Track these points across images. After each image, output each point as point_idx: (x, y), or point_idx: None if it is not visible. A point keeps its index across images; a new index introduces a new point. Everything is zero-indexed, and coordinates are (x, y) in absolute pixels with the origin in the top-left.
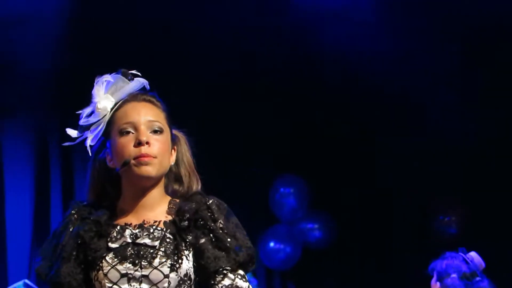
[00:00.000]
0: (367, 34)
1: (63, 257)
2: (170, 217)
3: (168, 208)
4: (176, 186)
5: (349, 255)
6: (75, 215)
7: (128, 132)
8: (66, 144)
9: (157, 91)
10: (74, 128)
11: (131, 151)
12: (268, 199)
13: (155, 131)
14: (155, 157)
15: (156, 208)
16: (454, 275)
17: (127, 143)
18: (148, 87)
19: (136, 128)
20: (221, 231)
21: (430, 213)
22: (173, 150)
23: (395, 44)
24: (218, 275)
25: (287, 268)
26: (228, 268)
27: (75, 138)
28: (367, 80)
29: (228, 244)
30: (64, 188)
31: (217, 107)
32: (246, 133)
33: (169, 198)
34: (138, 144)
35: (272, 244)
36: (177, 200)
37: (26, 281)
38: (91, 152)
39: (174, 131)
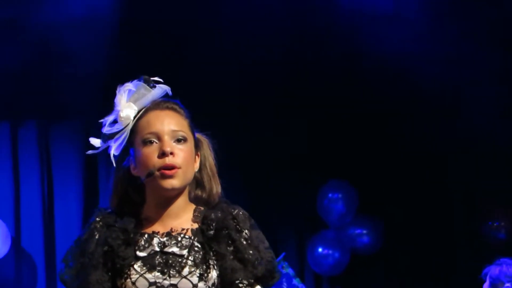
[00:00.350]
0: (415, 37)
1: (92, 265)
2: (196, 225)
3: (193, 216)
4: (198, 192)
5: (397, 261)
6: (100, 223)
7: (152, 142)
8: (90, 152)
9: (208, 92)
10: (98, 137)
11: (155, 162)
12: (316, 204)
13: (178, 140)
14: (179, 168)
15: (182, 216)
16: (508, 285)
17: (151, 153)
18: (170, 93)
19: (159, 138)
20: (244, 242)
21: (480, 218)
22: (196, 157)
23: (443, 47)
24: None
25: (335, 274)
26: (244, 282)
27: (99, 147)
28: (414, 83)
29: (248, 256)
30: None
31: (264, 111)
32: (294, 138)
33: (193, 205)
34: (162, 154)
35: (320, 249)
36: (202, 208)
37: None
38: (114, 161)
39: (197, 135)
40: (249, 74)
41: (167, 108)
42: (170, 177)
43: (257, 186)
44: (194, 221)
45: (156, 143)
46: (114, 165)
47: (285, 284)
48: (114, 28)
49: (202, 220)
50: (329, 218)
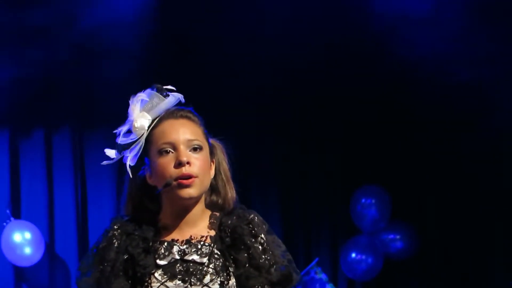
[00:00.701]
0: (450, 39)
1: (114, 273)
2: (213, 232)
3: (210, 223)
4: (213, 197)
5: (431, 266)
6: (118, 230)
7: (168, 152)
8: (105, 163)
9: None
10: (112, 148)
11: (172, 172)
12: (350, 210)
13: (194, 149)
14: (196, 177)
15: (199, 224)
16: None
17: (167, 163)
18: (183, 101)
19: (175, 148)
20: (260, 247)
21: None
22: (211, 163)
23: (478, 49)
24: None
25: (368, 279)
26: None
27: (114, 158)
28: (449, 87)
29: (263, 262)
30: None
31: (298, 115)
32: (328, 143)
33: (209, 212)
34: (179, 164)
35: (353, 255)
36: (217, 214)
37: None
38: (131, 172)
39: (211, 141)
40: (285, 77)
41: (181, 116)
42: (188, 186)
43: (291, 192)
44: (210, 228)
45: (172, 152)
46: (130, 175)
47: None
48: (149, 35)
49: (219, 227)
50: (363, 224)
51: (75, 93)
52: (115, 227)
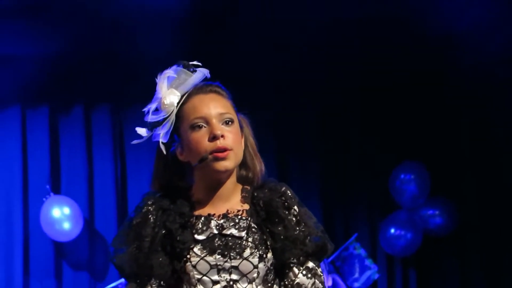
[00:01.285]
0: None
1: (153, 248)
2: (246, 206)
3: (242, 197)
4: (242, 171)
5: (470, 242)
6: (153, 206)
7: (200, 127)
8: (135, 142)
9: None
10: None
11: (207, 146)
12: (389, 185)
13: (226, 123)
14: (231, 149)
15: (232, 198)
16: None
17: (201, 138)
18: (209, 76)
19: (207, 122)
20: (294, 219)
21: None
22: (242, 136)
23: None
24: (285, 268)
25: (407, 255)
26: (294, 261)
27: (144, 136)
28: (492, 64)
29: (298, 233)
30: None
31: (338, 90)
32: (367, 118)
33: (240, 186)
34: (213, 138)
35: (392, 230)
36: (248, 188)
37: None
38: (164, 148)
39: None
40: (323, 53)
41: (211, 91)
42: (223, 159)
43: (330, 168)
44: (243, 202)
45: (205, 127)
46: (164, 151)
47: (357, 264)
48: (186, 14)
49: (251, 200)
50: (402, 199)
51: (115, 69)
52: (149, 202)
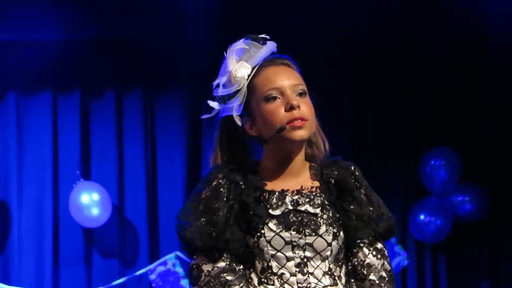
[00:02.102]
0: None
1: (228, 222)
2: (316, 183)
3: (311, 174)
4: (308, 149)
5: (501, 228)
6: (224, 179)
7: (275, 98)
8: (205, 117)
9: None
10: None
11: (284, 117)
12: (419, 171)
13: (300, 94)
14: (307, 120)
15: (302, 174)
16: None
17: (276, 109)
18: (275, 50)
19: (282, 93)
20: (365, 199)
21: None
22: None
23: None
24: (355, 247)
25: (437, 241)
26: (365, 241)
27: (212, 111)
28: None
29: (370, 213)
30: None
31: (369, 75)
32: (397, 104)
33: (307, 163)
34: (290, 108)
35: (422, 216)
36: (315, 165)
37: (178, 253)
38: (240, 122)
39: None
40: (355, 38)
41: (282, 64)
42: (300, 128)
43: (361, 153)
44: (314, 179)
45: (279, 98)
46: (240, 124)
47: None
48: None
49: (323, 178)
50: (432, 185)
51: (146, 54)
52: (219, 175)
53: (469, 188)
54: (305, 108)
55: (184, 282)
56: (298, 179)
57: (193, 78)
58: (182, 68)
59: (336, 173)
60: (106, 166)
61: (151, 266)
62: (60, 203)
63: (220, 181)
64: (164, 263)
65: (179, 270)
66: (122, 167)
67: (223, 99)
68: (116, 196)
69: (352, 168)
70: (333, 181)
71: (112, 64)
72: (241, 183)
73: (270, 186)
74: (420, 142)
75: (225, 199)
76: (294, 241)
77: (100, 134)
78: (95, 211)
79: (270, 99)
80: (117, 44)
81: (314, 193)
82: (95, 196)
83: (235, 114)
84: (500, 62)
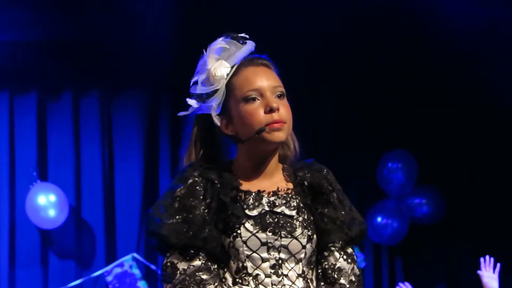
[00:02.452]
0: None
1: (205, 221)
2: (290, 185)
3: (285, 175)
4: (280, 150)
5: (457, 231)
6: (200, 177)
7: (254, 99)
8: (182, 114)
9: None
10: (188, 98)
11: (263, 118)
12: (376, 174)
13: (279, 96)
14: (285, 122)
15: (276, 175)
16: None
17: (256, 110)
18: (254, 49)
19: (261, 95)
20: (338, 203)
21: None
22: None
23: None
24: (326, 251)
25: (394, 243)
26: (337, 245)
27: (189, 108)
28: (476, 47)
29: (344, 217)
30: (172, 162)
31: (327, 80)
32: (354, 106)
33: (280, 165)
34: (270, 111)
35: (379, 219)
36: (288, 167)
37: (135, 255)
38: (218, 121)
39: None
40: (318, 45)
41: (261, 64)
42: (278, 130)
43: (317, 155)
44: (287, 181)
45: (258, 99)
46: (218, 123)
47: None
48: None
49: (296, 180)
50: (389, 188)
51: (103, 55)
52: (195, 173)
53: (425, 191)
54: (284, 110)
55: (141, 284)
56: (272, 180)
57: (151, 79)
58: (139, 69)
59: (309, 175)
60: (63, 167)
61: (108, 268)
62: (16, 204)
63: (196, 179)
64: (121, 265)
65: (136, 271)
66: (79, 169)
67: (201, 97)
68: (73, 197)
69: (325, 171)
70: (307, 184)
71: (69, 65)
72: (216, 182)
73: (245, 186)
74: (378, 145)
75: (201, 197)
76: (270, 243)
77: (57, 135)
78: (52, 212)
79: (249, 100)
80: (74, 45)
81: (290, 195)
82: (52, 198)
83: (214, 114)
84: (456, 64)
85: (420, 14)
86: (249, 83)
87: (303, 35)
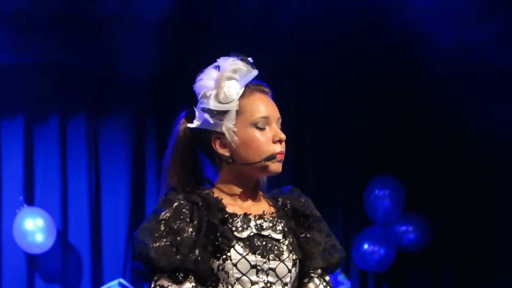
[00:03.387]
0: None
1: (195, 243)
2: (273, 209)
3: (266, 201)
4: None
5: (444, 258)
6: (185, 200)
7: (264, 126)
8: (191, 125)
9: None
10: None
11: (271, 147)
12: (363, 200)
13: (280, 128)
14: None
15: (258, 199)
16: None
17: (266, 137)
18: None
19: (269, 123)
20: (319, 229)
21: None
22: None
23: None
24: (306, 277)
25: (381, 270)
26: (317, 271)
27: (201, 121)
28: (459, 77)
29: (325, 244)
30: (159, 186)
31: (313, 105)
32: (341, 133)
33: (259, 191)
34: (278, 141)
35: (366, 245)
36: (266, 193)
37: (121, 280)
38: (232, 138)
39: None
40: (301, 70)
41: (267, 92)
42: (280, 161)
43: (304, 182)
44: (270, 206)
45: (266, 127)
46: (237, 141)
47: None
48: (165, 24)
49: (279, 205)
50: (376, 215)
51: (90, 80)
52: (180, 196)
53: (412, 218)
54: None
55: None
56: (257, 204)
57: (138, 104)
58: (126, 94)
59: (289, 202)
60: (50, 192)
61: None
62: (3, 229)
63: (181, 202)
64: None
65: None
66: (66, 193)
67: (212, 113)
68: (59, 221)
69: (304, 198)
70: (289, 208)
71: (56, 89)
72: (201, 204)
73: (230, 209)
74: (364, 171)
75: (188, 219)
76: (259, 265)
77: (44, 159)
78: (39, 237)
79: (259, 125)
80: (61, 69)
81: (276, 219)
82: (39, 222)
83: (231, 130)
84: (442, 92)
85: (407, 41)
86: (260, 110)
87: (289, 61)
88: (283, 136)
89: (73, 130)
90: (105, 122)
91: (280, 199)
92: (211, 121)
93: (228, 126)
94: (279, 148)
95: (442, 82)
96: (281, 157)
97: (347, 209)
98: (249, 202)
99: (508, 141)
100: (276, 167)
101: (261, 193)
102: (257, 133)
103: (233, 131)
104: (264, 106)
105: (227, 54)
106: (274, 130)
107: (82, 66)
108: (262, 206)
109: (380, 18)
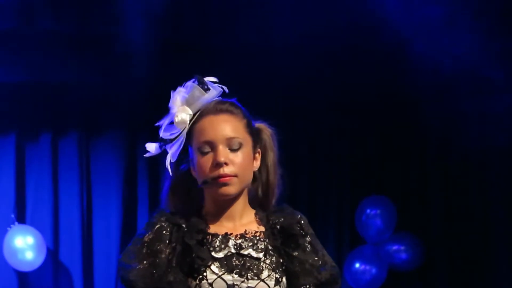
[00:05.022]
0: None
1: (170, 265)
2: (262, 228)
3: (257, 219)
4: (254, 192)
5: (436, 278)
6: (167, 222)
7: (207, 152)
8: (148, 155)
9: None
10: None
11: (209, 172)
12: (355, 219)
13: (234, 149)
14: (235, 176)
15: (244, 218)
16: None
17: (206, 162)
18: (227, 91)
19: (213, 147)
20: (309, 247)
21: None
22: (257, 154)
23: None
24: None
25: None
26: None
27: (156, 149)
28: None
29: (313, 262)
30: (151, 204)
31: (304, 122)
32: (333, 152)
33: (252, 209)
34: (216, 165)
35: (357, 265)
36: (261, 210)
37: None
38: (170, 168)
39: (260, 125)
40: (290, 86)
41: (221, 111)
42: (225, 184)
43: (296, 201)
44: (259, 223)
45: (211, 151)
46: (170, 173)
47: None
48: (157, 43)
49: (269, 224)
50: (367, 234)
51: (82, 98)
52: (162, 218)
53: (404, 237)
54: (236, 163)
55: None
56: (242, 223)
57: (129, 121)
58: (118, 111)
59: (282, 220)
60: (41, 210)
61: None
62: None
63: (163, 224)
64: None
65: None
66: (57, 211)
67: (164, 142)
68: (51, 240)
69: (299, 216)
70: (278, 227)
71: (47, 107)
72: (183, 225)
73: (213, 229)
74: (356, 191)
75: (167, 241)
76: (236, 285)
77: (35, 177)
78: (29, 255)
79: (202, 151)
80: (52, 87)
81: (258, 238)
82: (30, 240)
83: (172, 160)
84: (435, 112)
85: (400, 59)
86: (203, 135)
87: (281, 80)
88: (221, 159)
89: (65, 148)
90: (97, 141)
91: (271, 218)
92: (159, 150)
93: (170, 153)
94: (218, 172)
95: (436, 102)
96: (222, 180)
97: (338, 228)
98: (233, 221)
99: (502, 162)
100: (220, 190)
101: (257, 210)
102: (200, 158)
103: (172, 160)
104: (208, 130)
105: (219, 73)
106: (216, 153)
107: (74, 85)
108: (247, 225)
109: (368, 35)
